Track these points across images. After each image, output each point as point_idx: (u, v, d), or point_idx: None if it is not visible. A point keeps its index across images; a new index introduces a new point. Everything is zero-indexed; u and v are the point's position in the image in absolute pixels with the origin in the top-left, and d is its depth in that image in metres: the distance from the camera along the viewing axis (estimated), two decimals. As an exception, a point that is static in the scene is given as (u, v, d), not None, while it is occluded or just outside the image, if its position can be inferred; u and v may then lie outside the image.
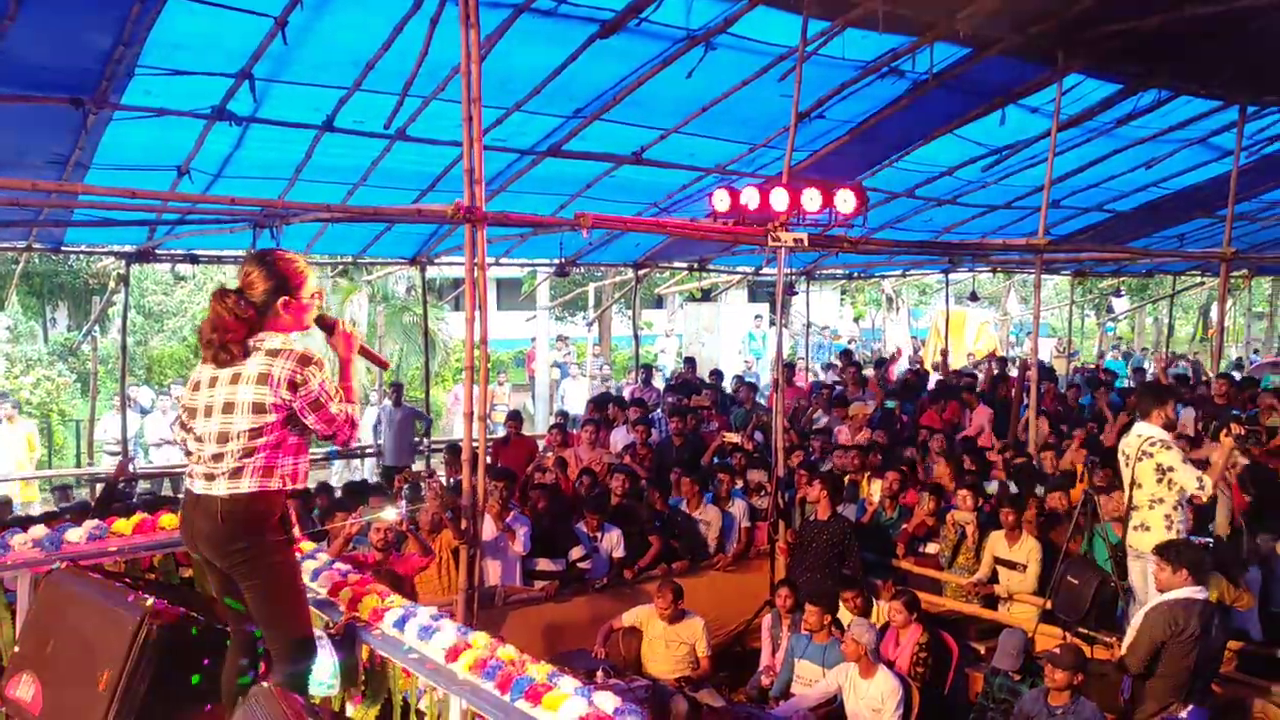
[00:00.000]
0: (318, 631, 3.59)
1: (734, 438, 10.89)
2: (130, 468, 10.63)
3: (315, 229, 10.46)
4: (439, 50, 6.71)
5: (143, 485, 11.73)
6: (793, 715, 6.49)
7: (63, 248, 10.91)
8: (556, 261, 13.37)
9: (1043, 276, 11.01)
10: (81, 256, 17.67)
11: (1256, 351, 25.72)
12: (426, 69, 7.06)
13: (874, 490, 8.99)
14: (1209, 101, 10.15)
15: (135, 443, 12.95)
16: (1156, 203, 13.60)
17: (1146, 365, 20.19)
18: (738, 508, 8.99)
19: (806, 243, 7.74)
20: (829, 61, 8.16)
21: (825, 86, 8.69)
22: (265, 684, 3.26)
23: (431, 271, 14.85)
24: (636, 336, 16.56)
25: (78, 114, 7.07)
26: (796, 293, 16.77)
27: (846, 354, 16.38)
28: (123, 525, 4.28)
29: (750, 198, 7.53)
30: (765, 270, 15.62)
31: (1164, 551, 5.56)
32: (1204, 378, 15.18)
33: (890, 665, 6.48)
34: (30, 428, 13.13)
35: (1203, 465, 6.52)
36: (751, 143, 9.81)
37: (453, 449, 9.76)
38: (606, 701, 3.00)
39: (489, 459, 7.63)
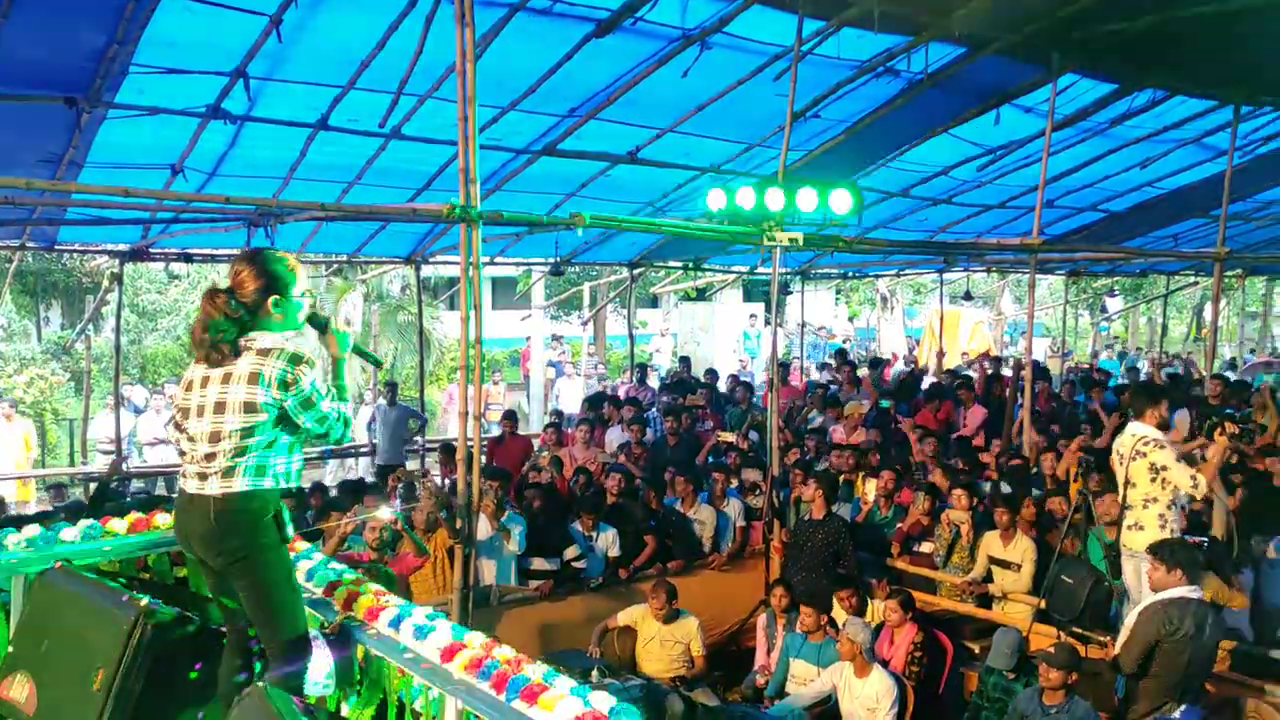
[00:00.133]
0: (313, 631, 3.58)
1: (729, 437, 10.89)
2: (124, 467, 10.61)
3: (310, 228, 10.44)
4: (434, 49, 6.70)
5: (136, 484, 11.71)
6: (787, 715, 6.50)
7: (56, 246, 10.88)
8: (552, 261, 13.36)
9: (1037, 276, 11.04)
10: (75, 255, 17.68)
11: (1252, 351, 25.79)
12: (421, 68, 7.05)
13: (869, 490, 9.00)
14: (1203, 101, 10.17)
15: (129, 442, 12.92)
16: (1151, 202, 13.62)
17: (1140, 365, 20.23)
18: (733, 507, 8.99)
19: (802, 242, 7.74)
20: (824, 61, 8.17)
21: (820, 86, 8.69)
22: (260, 684, 3.26)
23: (426, 270, 14.81)
24: (631, 336, 16.58)
25: (71, 113, 7.03)
26: (791, 292, 16.78)
27: (841, 353, 16.39)
28: (117, 525, 4.27)
29: (745, 197, 7.53)
30: (760, 269, 15.62)
31: (1158, 551, 5.57)
32: (1195, 376, 15.20)
33: (885, 664, 6.49)
34: (27, 427, 13.12)
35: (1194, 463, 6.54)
36: (747, 142, 9.81)
37: (447, 448, 9.75)
38: (603, 701, 3.00)
39: (484, 458, 7.63)
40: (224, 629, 3.61)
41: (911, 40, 8.07)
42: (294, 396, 3.28)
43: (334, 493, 9.14)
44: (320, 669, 3.57)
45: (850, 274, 20.28)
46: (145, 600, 3.47)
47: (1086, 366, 18.89)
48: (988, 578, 7.62)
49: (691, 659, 7.21)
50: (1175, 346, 26.84)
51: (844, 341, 24.89)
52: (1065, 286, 22.68)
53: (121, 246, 10.54)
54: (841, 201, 7.63)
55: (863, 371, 14.40)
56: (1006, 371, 14.34)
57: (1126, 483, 6.35)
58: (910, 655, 6.71)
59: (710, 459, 10.30)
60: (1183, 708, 5.31)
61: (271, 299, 3.34)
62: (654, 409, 12.02)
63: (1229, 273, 18.90)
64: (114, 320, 12.23)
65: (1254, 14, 7.73)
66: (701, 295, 22.53)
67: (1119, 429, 7.36)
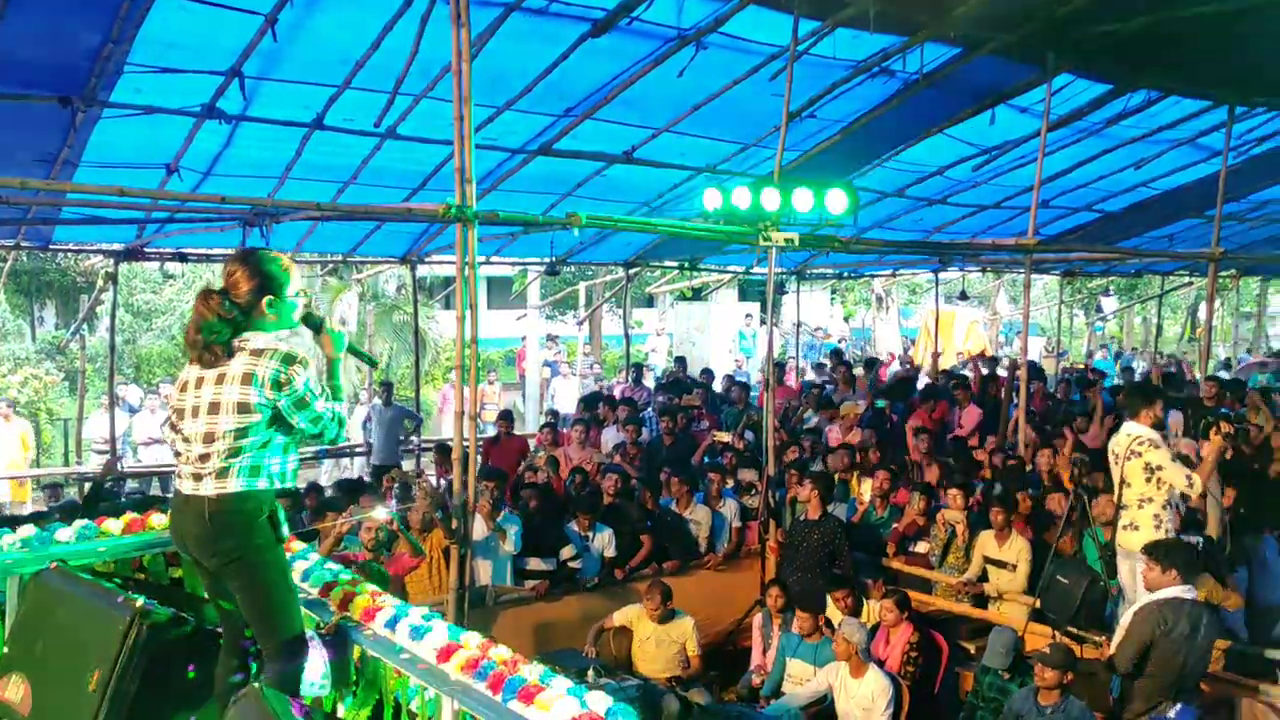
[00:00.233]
0: (309, 631, 3.58)
1: (724, 437, 10.89)
2: (118, 466, 10.59)
3: (305, 227, 10.42)
4: (429, 48, 6.70)
5: (131, 484, 11.69)
6: (783, 715, 6.50)
7: (51, 246, 10.85)
8: (547, 260, 13.35)
9: (1032, 276, 11.05)
10: (70, 254, 17.62)
11: (1249, 350, 25.83)
12: (417, 67, 7.04)
13: (864, 490, 9.00)
14: (1198, 102, 10.19)
15: (123, 441, 12.90)
16: (1145, 203, 13.64)
17: (1135, 365, 20.26)
18: (728, 507, 9.00)
19: (797, 242, 7.75)
20: (820, 61, 8.16)
21: (816, 86, 8.69)
22: (256, 684, 3.25)
23: (422, 270, 14.77)
24: (627, 335, 16.56)
25: (66, 112, 7.02)
26: (786, 292, 16.78)
27: (837, 353, 16.41)
28: (112, 525, 4.26)
29: (741, 197, 7.53)
30: (756, 269, 15.62)
31: (1153, 551, 5.58)
32: (1188, 377, 15.23)
33: (881, 664, 6.50)
34: (25, 427, 13.09)
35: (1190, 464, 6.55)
36: (743, 142, 9.81)
37: (443, 448, 9.74)
38: (599, 702, 2.99)
39: (479, 458, 7.63)
40: (220, 629, 3.61)
41: (907, 40, 8.07)
42: (287, 397, 3.28)
43: (330, 493, 9.12)
44: (316, 669, 3.57)
45: (846, 274, 20.27)
46: (140, 601, 3.46)
47: (1081, 366, 18.91)
48: (983, 577, 7.64)
49: (687, 659, 7.21)
50: (1170, 346, 26.86)
51: (839, 341, 24.90)
52: (1060, 286, 22.68)
53: (116, 246, 10.52)
54: (837, 201, 7.63)
55: (858, 371, 14.40)
56: (1001, 371, 14.35)
57: (1122, 482, 6.36)
58: (906, 655, 6.71)
59: (706, 459, 10.31)
60: (1177, 707, 5.33)
61: (266, 299, 3.34)
62: (649, 409, 12.02)
63: (1223, 273, 18.94)
64: (109, 320, 12.19)
65: (1248, 14, 7.74)
66: (697, 295, 22.53)
67: (1114, 429, 7.37)
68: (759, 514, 8.75)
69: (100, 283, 14.76)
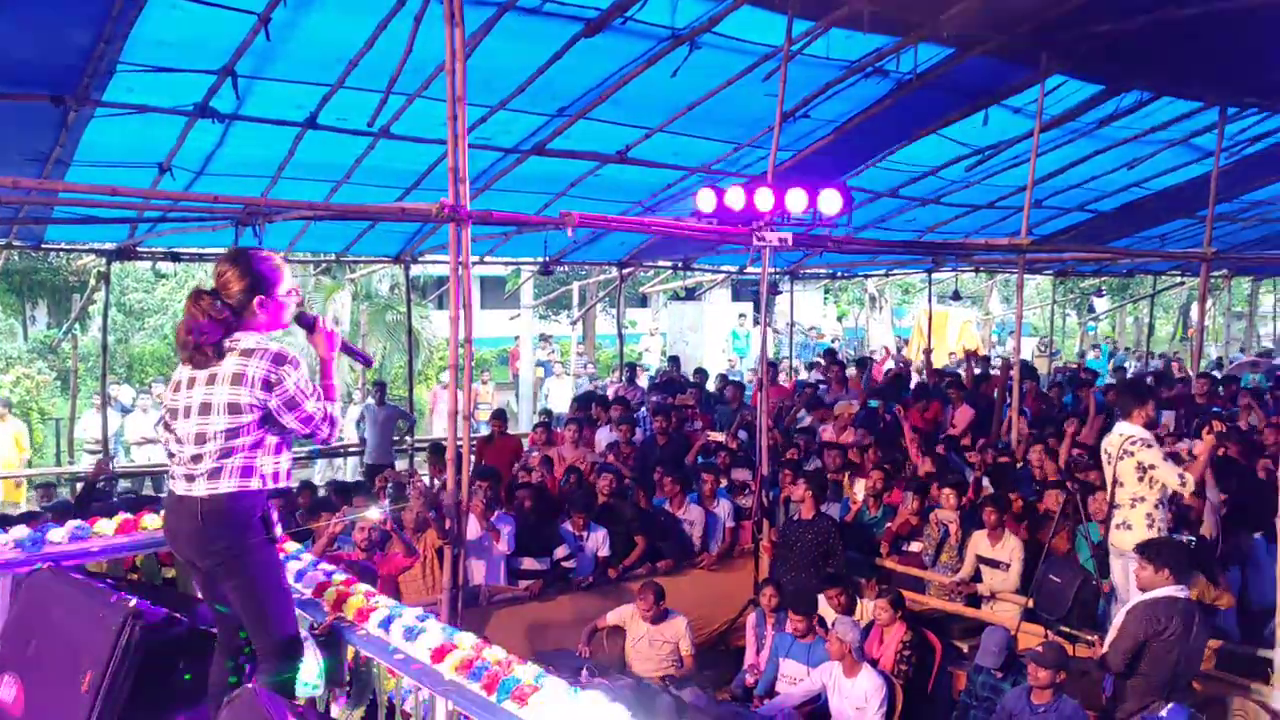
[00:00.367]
0: (303, 632, 3.57)
1: (718, 437, 10.90)
2: (111, 466, 10.56)
3: (298, 227, 10.42)
4: (423, 48, 6.69)
5: (123, 484, 11.66)
6: (777, 714, 6.51)
7: (43, 245, 10.84)
8: (541, 260, 13.35)
9: (1025, 276, 11.08)
10: (62, 254, 17.57)
11: (1242, 350, 25.90)
12: (410, 67, 7.03)
13: (858, 489, 9.01)
14: (1190, 103, 10.23)
15: (116, 441, 12.86)
16: (1138, 203, 13.68)
17: (1128, 364, 20.31)
18: (722, 507, 8.99)
19: (791, 242, 7.76)
20: (813, 61, 8.18)
21: (810, 86, 8.70)
22: (250, 685, 3.25)
23: (415, 270, 14.80)
24: (621, 335, 16.56)
25: (58, 111, 7.02)
26: (780, 291, 16.80)
27: (830, 353, 16.41)
28: (105, 525, 4.25)
29: (735, 197, 7.53)
30: (749, 269, 15.64)
31: (1146, 550, 5.59)
32: (1179, 376, 15.27)
33: (874, 663, 6.50)
34: (20, 427, 13.05)
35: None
36: (736, 142, 9.82)
37: (436, 448, 9.72)
38: (593, 701, 2.99)
39: (473, 458, 7.61)
40: (213, 629, 3.60)
41: (900, 40, 8.09)
42: (278, 397, 3.27)
43: (323, 492, 9.11)
44: (310, 669, 3.57)
45: (839, 274, 20.33)
46: (134, 601, 3.45)
47: (1074, 366, 18.96)
48: (976, 577, 7.65)
49: (681, 659, 7.21)
50: (1162, 346, 26.93)
51: (832, 341, 24.92)
52: (1053, 286, 22.74)
53: (108, 245, 10.51)
54: (830, 201, 7.64)
55: (851, 371, 14.41)
56: (993, 370, 14.37)
57: (1114, 482, 6.38)
58: (899, 654, 6.72)
59: (699, 459, 10.30)
60: (1170, 706, 5.33)
61: (257, 299, 3.33)
62: (643, 409, 12.02)
63: (1215, 273, 19.04)
64: (101, 319, 12.18)
65: (1240, 16, 7.77)
66: (691, 295, 22.54)
67: (1105, 429, 7.39)
68: (753, 513, 8.75)
69: (92, 282, 14.74)
